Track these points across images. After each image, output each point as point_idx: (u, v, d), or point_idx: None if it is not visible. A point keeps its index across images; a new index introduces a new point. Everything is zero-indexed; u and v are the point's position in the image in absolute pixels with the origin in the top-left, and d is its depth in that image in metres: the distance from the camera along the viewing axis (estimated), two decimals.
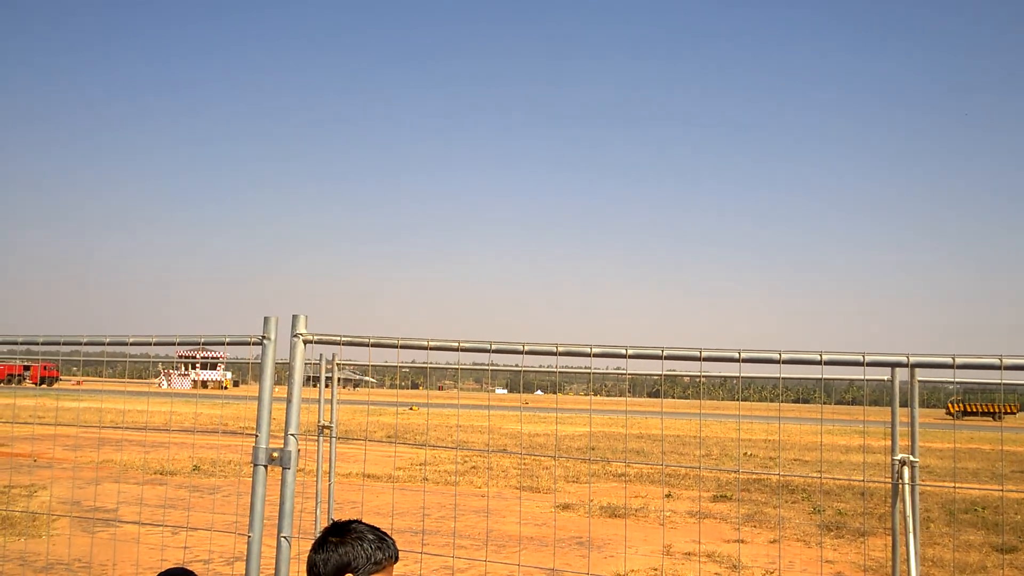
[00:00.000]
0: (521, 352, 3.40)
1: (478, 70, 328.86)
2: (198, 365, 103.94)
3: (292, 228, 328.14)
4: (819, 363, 3.03)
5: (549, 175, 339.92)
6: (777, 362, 3.08)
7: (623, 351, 3.29)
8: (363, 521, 2.88)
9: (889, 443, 6.44)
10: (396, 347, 3.69)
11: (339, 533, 2.80)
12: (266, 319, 4.05)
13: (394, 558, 2.84)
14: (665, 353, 3.40)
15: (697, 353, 3.39)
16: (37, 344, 5.14)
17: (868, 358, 3.00)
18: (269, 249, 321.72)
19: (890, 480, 6.44)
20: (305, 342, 3.94)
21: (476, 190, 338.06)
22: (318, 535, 2.89)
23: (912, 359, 2.96)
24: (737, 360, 3.33)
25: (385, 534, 2.86)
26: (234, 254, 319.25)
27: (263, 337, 4.07)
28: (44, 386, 77.24)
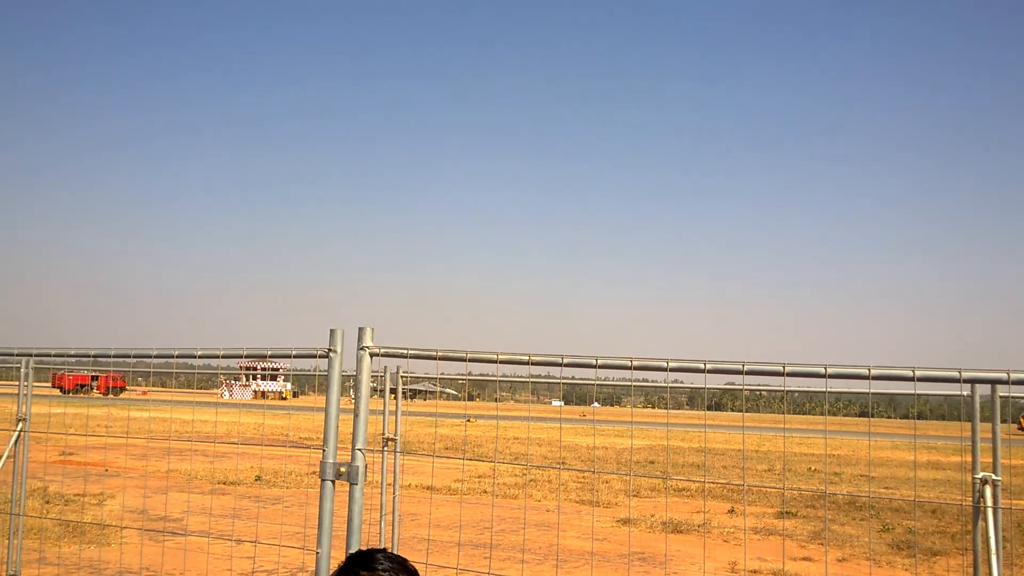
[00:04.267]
0: (595, 366, 3.32)
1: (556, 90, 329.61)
2: (259, 377, 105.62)
3: (352, 242, 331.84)
4: (912, 379, 2.90)
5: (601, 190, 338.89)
6: (867, 378, 2.95)
7: (701, 365, 3.19)
8: (388, 551, 2.59)
9: (961, 459, 6.21)
10: (464, 360, 3.64)
11: (365, 564, 2.53)
12: (332, 331, 4.03)
13: None
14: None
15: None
16: (109, 356, 5.20)
17: (965, 374, 2.86)
18: (331, 262, 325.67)
19: (970, 499, 6.20)
20: (372, 355, 3.90)
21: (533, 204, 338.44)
22: (341, 563, 2.60)
23: (1013, 375, 2.81)
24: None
25: (413, 569, 2.57)
26: (296, 267, 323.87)
27: (329, 350, 4.06)
28: (111, 396, 79.11)
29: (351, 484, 3.84)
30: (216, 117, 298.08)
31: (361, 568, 2.50)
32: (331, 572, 2.58)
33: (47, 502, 13.94)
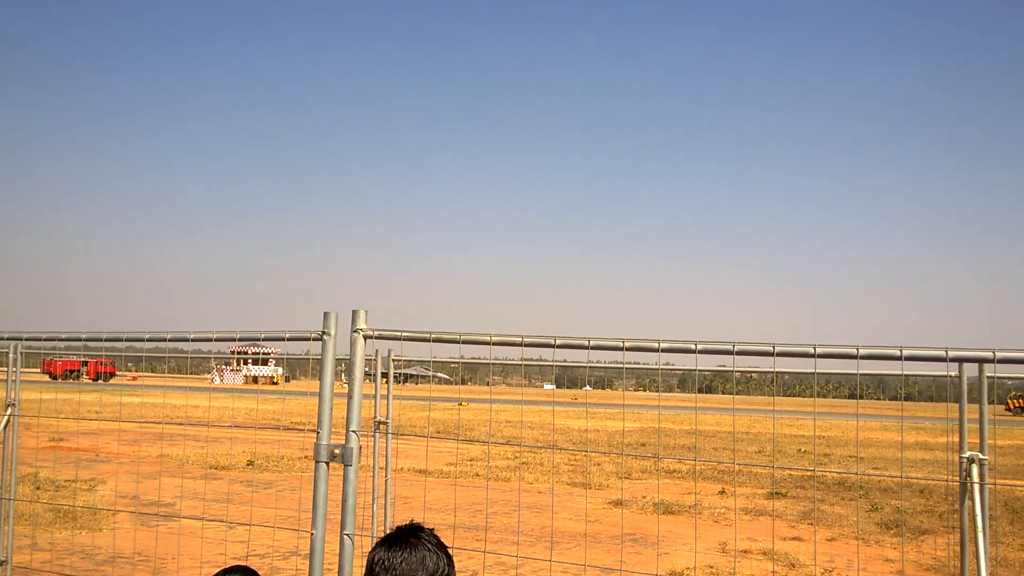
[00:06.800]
0: (587, 347, 3.33)
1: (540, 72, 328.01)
2: (250, 361, 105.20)
3: (346, 224, 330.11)
4: (899, 359, 2.92)
5: (599, 174, 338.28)
6: (855, 357, 2.97)
7: (692, 346, 3.21)
8: (435, 532, 2.77)
9: (948, 440, 6.25)
10: (458, 342, 3.65)
11: (415, 534, 2.70)
12: (326, 314, 4.04)
13: None
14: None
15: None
16: (100, 340, 5.19)
17: (952, 353, 2.88)
18: (323, 254, 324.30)
19: (958, 478, 6.25)
20: (366, 338, 3.91)
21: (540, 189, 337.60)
22: (390, 531, 2.77)
23: (999, 354, 2.83)
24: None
25: (450, 556, 2.73)
26: (289, 258, 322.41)
27: (323, 332, 4.06)
28: (100, 381, 78.71)
29: (345, 466, 3.85)
30: (210, 106, 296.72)
31: (411, 536, 2.69)
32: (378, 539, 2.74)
33: (38, 488, 13.92)
